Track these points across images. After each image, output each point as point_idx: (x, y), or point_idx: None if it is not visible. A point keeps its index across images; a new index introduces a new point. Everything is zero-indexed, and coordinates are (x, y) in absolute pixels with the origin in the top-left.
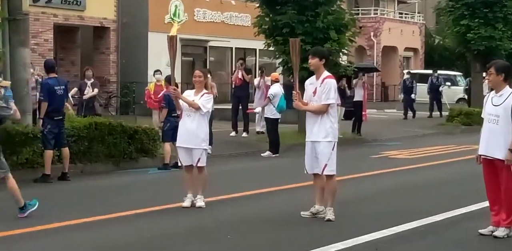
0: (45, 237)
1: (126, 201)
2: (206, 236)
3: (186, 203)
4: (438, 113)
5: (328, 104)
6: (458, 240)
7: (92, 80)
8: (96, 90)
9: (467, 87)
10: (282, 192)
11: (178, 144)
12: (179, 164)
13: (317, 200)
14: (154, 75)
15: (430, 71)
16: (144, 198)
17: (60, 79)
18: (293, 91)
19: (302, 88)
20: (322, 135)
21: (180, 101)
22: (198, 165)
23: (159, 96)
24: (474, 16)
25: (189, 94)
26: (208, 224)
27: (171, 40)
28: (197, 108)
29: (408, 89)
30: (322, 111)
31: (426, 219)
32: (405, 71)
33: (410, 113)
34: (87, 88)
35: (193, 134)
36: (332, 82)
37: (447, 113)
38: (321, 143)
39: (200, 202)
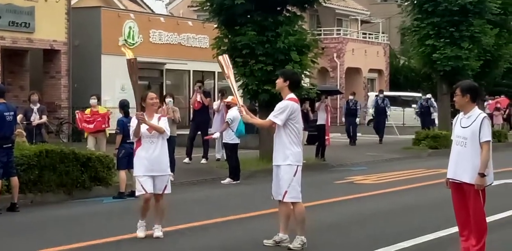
0: None
1: (79, 233)
2: None
3: (142, 233)
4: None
5: (272, 122)
6: None
7: (39, 105)
8: (44, 117)
9: (417, 110)
10: (244, 220)
11: (142, 172)
12: (137, 194)
13: (281, 228)
14: (90, 100)
15: (397, 93)
16: (99, 229)
17: (9, 105)
18: (237, 106)
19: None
20: (281, 158)
21: (141, 127)
22: (165, 191)
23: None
24: (440, 35)
25: (135, 128)
26: None
27: (130, 63)
28: (162, 132)
29: (350, 112)
30: (265, 125)
31: (394, 246)
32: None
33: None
34: (34, 114)
35: (158, 161)
36: (288, 103)
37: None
38: (281, 167)
39: (158, 232)
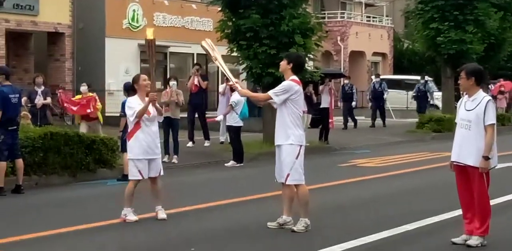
0: None
1: (83, 215)
2: (170, 249)
3: (134, 216)
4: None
5: (270, 97)
6: (431, 249)
7: (43, 88)
8: (49, 98)
9: (414, 94)
10: (248, 202)
11: (140, 156)
12: (131, 178)
13: (285, 211)
14: (80, 87)
15: (400, 77)
16: (103, 211)
17: (14, 88)
18: (232, 81)
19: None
20: (283, 138)
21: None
22: (161, 173)
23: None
24: (444, 19)
25: (139, 102)
26: (172, 237)
27: (149, 44)
28: (161, 115)
29: (347, 96)
30: (262, 99)
31: (398, 229)
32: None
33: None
34: (38, 96)
35: (155, 144)
36: (291, 84)
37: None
38: (282, 147)
39: (162, 213)
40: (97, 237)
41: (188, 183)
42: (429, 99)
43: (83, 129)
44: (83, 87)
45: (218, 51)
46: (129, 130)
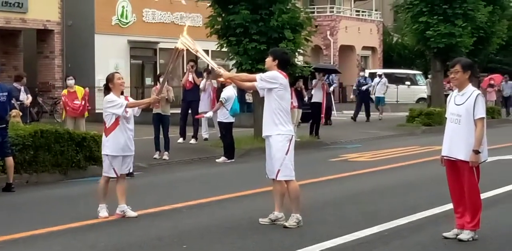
0: None
1: (75, 212)
2: (162, 246)
3: (106, 213)
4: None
5: (254, 79)
6: (423, 244)
7: (24, 85)
8: (29, 96)
9: (355, 88)
10: (239, 198)
11: (116, 152)
12: (105, 174)
13: (276, 206)
14: (67, 81)
15: (390, 71)
16: (95, 209)
17: (3, 86)
18: (215, 67)
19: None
20: (271, 129)
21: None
22: (131, 170)
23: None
24: (433, 12)
25: (120, 101)
26: (164, 234)
27: (177, 51)
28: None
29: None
30: (246, 79)
31: (390, 223)
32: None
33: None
34: (21, 93)
35: (130, 141)
36: (276, 73)
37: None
38: (271, 139)
39: (132, 212)
40: (89, 235)
41: (179, 179)
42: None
43: (69, 124)
44: (70, 81)
45: (196, 43)
46: (107, 126)
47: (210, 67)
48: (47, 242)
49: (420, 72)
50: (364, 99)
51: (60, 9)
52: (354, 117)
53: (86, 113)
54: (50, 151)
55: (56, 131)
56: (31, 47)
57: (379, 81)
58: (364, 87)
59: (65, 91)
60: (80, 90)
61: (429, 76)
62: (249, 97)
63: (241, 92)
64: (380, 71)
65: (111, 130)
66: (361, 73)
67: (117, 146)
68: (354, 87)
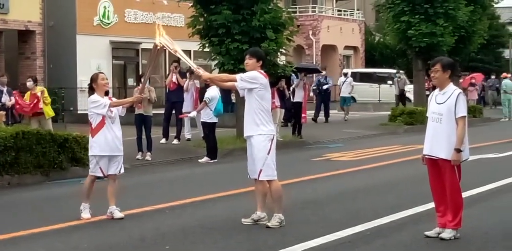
0: None
1: (58, 214)
2: (145, 247)
3: (88, 214)
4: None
5: (235, 78)
6: (405, 243)
7: (6, 87)
8: (12, 98)
9: (314, 87)
10: (222, 199)
11: (103, 152)
12: (92, 174)
13: (259, 206)
14: (27, 83)
15: (372, 70)
16: (77, 210)
17: None
18: (193, 67)
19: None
20: (252, 129)
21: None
22: (122, 171)
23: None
24: (415, 12)
25: (104, 101)
26: (147, 235)
27: (156, 49)
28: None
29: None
30: (226, 79)
31: (372, 223)
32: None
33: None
34: (4, 95)
35: (118, 140)
36: (257, 73)
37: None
38: (252, 139)
39: (118, 213)
40: (72, 236)
41: (162, 180)
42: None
43: (34, 125)
44: (29, 83)
45: (175, 43)
46: (93, 127)
47: (193, 70)
48: (29, 244)
49: (402, 72)
50: (324, 99)
51: (42, 9)
52: (315, 119)
53: (50, 113)
54: (32, 152)
55: (38, 132)
56: (12, 48)
57: (345, 81)
58: (324, 87)
59: (27, 94)
60: (39, 91)
61: (396, 74)
62: (234, 98)
63: (226, 92)
64: (346, 70)
65: (98, 130)
66: (323, 73)
67: (105, 145)
68: (314, 87)
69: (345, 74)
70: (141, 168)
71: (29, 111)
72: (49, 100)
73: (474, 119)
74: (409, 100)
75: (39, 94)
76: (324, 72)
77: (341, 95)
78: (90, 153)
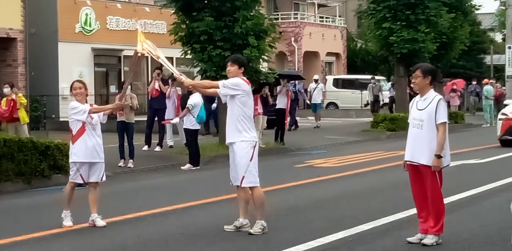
0: None
1: (39, 222)
2: None
3: (70, 222)
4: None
5: (217, 85)
6: (387, 249)
7: None
8: None
9: None
10: (205, 206)
11: (83, 158)
12: (72, 181)
13: (241, 213)
14: (3, 89)
15: (354, 76)
16: (59, 218)
17: None
18: (176, 74)
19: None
20: (235, 135)
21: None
22: (103, 179)
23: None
24: (396, 18)
25: (83, 107)
26: (129, 242)
27: (136, 56)
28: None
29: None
30: (208, 85)
31: (354, 229)
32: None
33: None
34: None
35: (99, 147)
36: (239, 80)
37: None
38: (235, 146)
39: (100, 221)
40: (54, 244)
41: (144, 187)
42: (304, 100)
43: (11, 131)
44: (6, 90)
45: (158, 50)
46: (73, 133)
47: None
48: None
49: (384, 78)
50: (291, 106)
51: (23, 17)
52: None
53: (26, 119)
54: (13, 160)
55: (20, 140)
56: None
57: (315, 87)
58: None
59: (4, 101)
60: (19, 98)
61: (372, 81)
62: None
63: (208, 99)
64: (316, 76)
65: (78, 137)
66: (291, 81)
67: (85, 151)
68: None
69: (316, 81)
70: (123, 175)
71: (9, 117)
72: (24, 100)
73: (456, 125)
74: (382, 107)
75: (14, 97)
76: (292, 81)
77: (312, 102)
78: (70, 160)
